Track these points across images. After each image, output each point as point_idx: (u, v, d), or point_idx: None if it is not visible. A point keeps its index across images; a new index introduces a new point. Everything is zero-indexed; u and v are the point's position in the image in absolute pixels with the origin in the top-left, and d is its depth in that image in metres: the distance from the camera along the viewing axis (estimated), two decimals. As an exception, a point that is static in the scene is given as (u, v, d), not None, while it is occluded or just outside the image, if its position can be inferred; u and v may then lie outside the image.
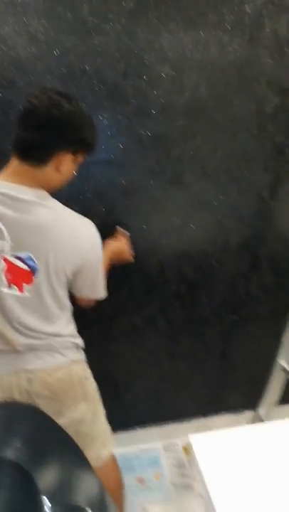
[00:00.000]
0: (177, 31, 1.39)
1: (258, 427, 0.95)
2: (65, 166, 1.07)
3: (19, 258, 1.03)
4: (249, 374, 1.95)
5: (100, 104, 1.43)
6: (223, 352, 1.90)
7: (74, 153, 1.08)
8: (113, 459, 1.29)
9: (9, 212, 0.99)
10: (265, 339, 1.88)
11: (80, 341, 1.25)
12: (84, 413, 1.19)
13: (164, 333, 1.81)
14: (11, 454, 0.51)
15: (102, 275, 1.25)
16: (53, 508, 0.47)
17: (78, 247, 1.09)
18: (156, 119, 1.49)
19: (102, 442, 1.25)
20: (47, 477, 0.51)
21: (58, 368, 1.14)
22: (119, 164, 1.52)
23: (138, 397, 1.90)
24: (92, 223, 1.16)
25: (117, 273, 1.67)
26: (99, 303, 1.69)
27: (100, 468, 1.22)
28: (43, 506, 0.46)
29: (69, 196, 1.48)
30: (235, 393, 2.00)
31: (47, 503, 0.47)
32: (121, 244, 1.42)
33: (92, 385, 1.27)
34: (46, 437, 0.63)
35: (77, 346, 1.24)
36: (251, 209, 1.69)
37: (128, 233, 1.49)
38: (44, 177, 1.05)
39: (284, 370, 1.59)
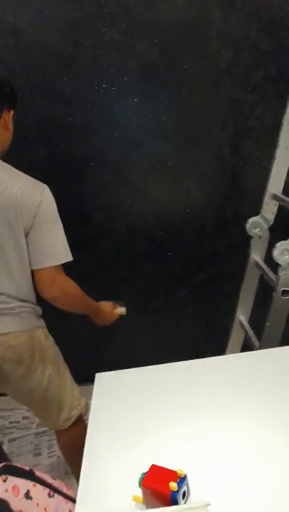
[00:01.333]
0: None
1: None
2: (10, 123, 1.17)
3: None
4: (221, 329, 2.04)
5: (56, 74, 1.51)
6: (195, 309, 1.99)
7: (10, 109, 1.16)
8: (82, 419, 1.36)
9: None
10: (234, 295, 1.96)
11: (40, 310, 1.30)
12: (50, 377, 1.24)
13: (138, 291, 1.92)
14: None
15: (61, 239, 1.19)
16: None
17: (32, 201, 1.10)
18: (110, 88, 1.56)
19: (71, 404, 1.31)
20: None
21: (21, 333, 1.19)
22: (79, 133, 1.61)
23: (117, 353, 2.02)
24: (46, 186, 1.17)
25: (89, 236, 1.78)
26: (77, 264, 1.82)
27: (70, 428, 1.31)
28: None
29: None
30: (208, 348, 2.10)
31: None
32: (110, 311, 1.44)
33: (54, 350, 1.32)
34: None
35: (38, 314, 1.29)
36: (213, 167, 1.75)
37: (124, 311, 1.51)
38: None
39: (241, 324, 1.68)
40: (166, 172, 1.73)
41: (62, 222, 1.71)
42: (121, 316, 1.51)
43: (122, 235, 1.81)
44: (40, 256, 1.14)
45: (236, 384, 0.94)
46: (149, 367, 1.06)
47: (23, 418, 1.83)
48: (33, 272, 1.17)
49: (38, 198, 1.11)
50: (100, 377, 1.02)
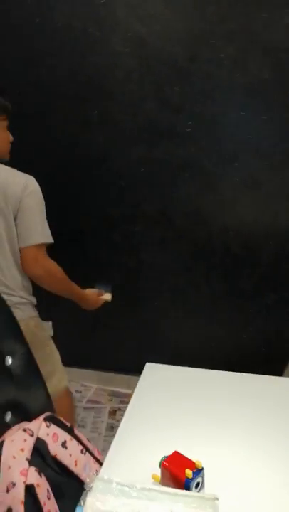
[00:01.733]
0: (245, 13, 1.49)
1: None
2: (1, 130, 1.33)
3: None
4: (280, 353, 1.99)
5: (169, 82, 1.62)
6: (260, 328, 1.97)
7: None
8: (68, 392, 1.50)
9: None
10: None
11: (34, 300, 1.44)
12: (40, 358, 1.39)
13: (206, 298, 1.96)
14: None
15: (42, 222, 1.33)
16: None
17: (15, 189, 1.28)
18: (218, 100, 1.63)
19: (58, 378, 1.45)
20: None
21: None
22: (180, 139, 1.70)
23: (176, 352, 2.08)
24: (34, 178, 1.33)
25: (168, 237, 1.87)
26: (150, 261, 1.92)
27: (56, 399, 1.44)
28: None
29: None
30: (264, 368, 2.07)
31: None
32: (94, 298, 1.56)
33: (46, 336, 1.48)
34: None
35: (33, 304, 1.43)
36: (305, 193, 1.72)
37: (110, 297, 1.62)
38: None
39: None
40: (257, 189, 1.74)
41: (147, 220, 1.83)
42: (106, 302, 1.62)
43: (200, 243, 1.86)
44: (24, 235, 1.30)
45: (285, 407, 0.96)
46: (199, 369, 1.12)
47: (76, 391, 1.98)
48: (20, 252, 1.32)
49: (22, 185, 1.28)
50: (150, 367, 1.10)
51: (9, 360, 0.80)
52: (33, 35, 1.65)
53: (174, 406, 0.95)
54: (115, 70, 1.64)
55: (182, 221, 1.84)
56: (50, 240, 1.36)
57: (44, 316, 1.51)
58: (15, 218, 1.30)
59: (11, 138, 1.38)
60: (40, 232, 1.33)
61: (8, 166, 1.34)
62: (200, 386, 1.04)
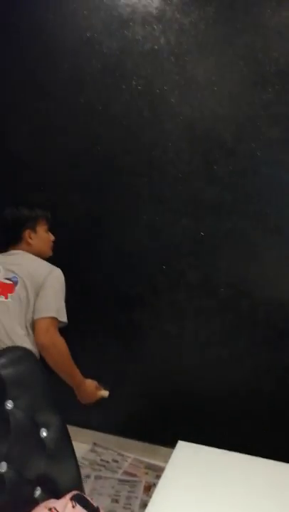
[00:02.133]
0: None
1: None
2: (34, 237, 1.61)
3: (8, 278, 1.50)
4: None
5: (217, 160, 1.71)
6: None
7: (32, 228, 1.61)
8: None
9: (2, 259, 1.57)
10: None
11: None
12: None
13: (248, 370, 1.89)
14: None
15: (59, 301, 1.51)
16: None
17: (41, 272, 1.52)
18: (263, 177, 1.68)
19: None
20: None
21: None
22: (226, 213, 1.75)
23: (217, 428, 1.99)
24: (60, 270, 1.55)
25: (212, 306, 1.87)
26: (193, 330, 1.91)
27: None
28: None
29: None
30: None
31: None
32: (92, 390, 1.60)
33: None
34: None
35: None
36: None
37: (107, 394, 1.65)
38: (25, 248, 1.60)
39: None
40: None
41: (191, 288, 1.84)
42: (102, 397, 1.62)
43: (244, 314, 1.84)
44: (41, 307, 1.47)
45: None
46: (234, 453, 1.07)
47: (112, 460, 1.93)
48: (34, 324, 1.47)
49: (48, 269, 1.54)
50: (181, 446, 1.07)
51: (44, 433, 0.82)
52: (90, 118, 1.82)
53: (203, 492, 0.91)
54: (167, 148, 1.76)
55: (226, 292, 1.84)
56: (64, 319, 1.52)
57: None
58: (37, 294, 1.49)
59: (52, 238, 1.67)
60: (56, 308, 1.49)
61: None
62: (233, 471, 0.99)
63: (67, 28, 1.78)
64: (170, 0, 1.64)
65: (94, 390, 1.62)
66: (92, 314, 2.04)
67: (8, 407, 0.79)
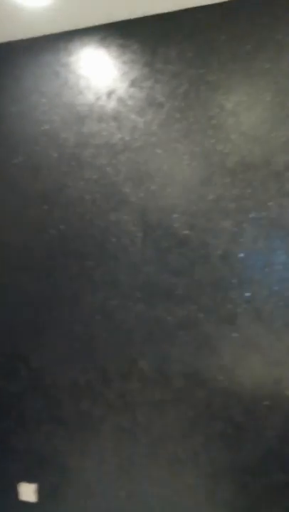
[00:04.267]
0: (240, 196, 1.65)
1: None
2: None
3: None
4: None
5: (169, 248, 1.73)
6: (269, 514, 1.72)
7: None
8: None
9: None
10: None
11: None
12: None
13: (205, 472, 1.77)
14: None
15: None
16: None
17: None
18: (215, 266, 1.70)
19: None
20: None
21: None
22: (179, 300, 1.74)
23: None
24: None
25: (166, 398, 1.79)
26: (146, 423, 1.81)
27: None
28: None
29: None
30: None
31: None
32: None
33: None
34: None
35: None
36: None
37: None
38: None
39: None
40: (257, 354, 1.69)
41: (144, 378, 1.76)
42: None
43: (199, 406, 1.76)
44: None
45: None
46: None
47: None
48: None
49: None
50: None
51: None
52: (44, 202, 1.85)
53: None
54: (120, 234, 1.79)
55: (180, 382, 1.78)
56: None
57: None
58: None
59: None
60: None
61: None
62: None
63: (27, 120, 1.86)
64: (125, 102, 1.76)
65: None
66: (37, 401, 1.92)
67: None
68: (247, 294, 1.70)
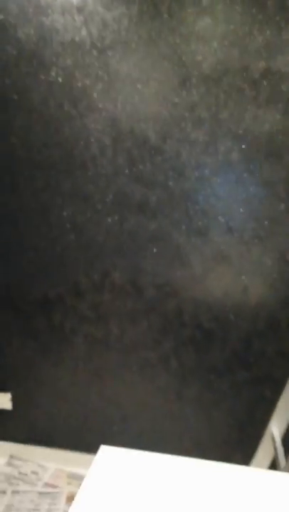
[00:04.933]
0: (215, 104, 1.58)
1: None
2: None
3: None
4: (253, 436, 1.90)
5: (141, 159, 1.67)
6: (231, 406, 1.89)
7: None
8: None
9: None
10: (274, 403, 1.84)
11: None
12: None
13: (175, 374, 1.89)
14: None
15: None
16: None
17: None
18: (188, 178, 1.67)
19: None
20: None
21: None
22: (151, 212, 1.72)
23: (143, 429, 1.98)
24: None
25: (138, 308, 1.84)
26: (119, 333, 1.87)
27: None
28: None
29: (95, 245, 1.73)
30: (237, 450, 1.96)
31: None
32: None
33: None
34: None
35: None
36: (274, 270, 1.73)
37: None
38: None
39: (272, 437, 1.55)
40: (227, 265, 1.75)
41: (116, 290, 1.81)
42: None
43: (170, 315, 1.83)
44: None
45: (239, 503, 0.87)
46: (157, 454, 1.03)
47: (31, 472, 1.83)
48: None
49: None
50: (104, 451, 1.01)
51: None
52: (3, 108, 1.70)
53: (127, 499, 0.86)
54: (89, 144, 1.69)
55: (152, 293, 1.82)
56: None
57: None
58: None
59: None
60: None
61: None
62: (157, 474, 0.95)
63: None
64: (92, -10, 1.57)
65: None
66: (9, 316, 1.93)
67: None
68: (219, 206, 1.70)
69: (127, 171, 1.71)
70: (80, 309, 1.89)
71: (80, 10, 1.59)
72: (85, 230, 1.79)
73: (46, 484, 1.76)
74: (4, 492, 1.67)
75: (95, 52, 1.61)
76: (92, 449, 1.99)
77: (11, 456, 1.92)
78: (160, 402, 1.94)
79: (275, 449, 1.51)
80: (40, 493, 1.71)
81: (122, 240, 1.78)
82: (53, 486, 1.76)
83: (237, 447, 1.93)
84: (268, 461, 1.62)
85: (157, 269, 1.80)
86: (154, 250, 1.77)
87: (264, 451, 1.60)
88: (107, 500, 0.86)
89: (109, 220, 1.77)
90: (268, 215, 1.69)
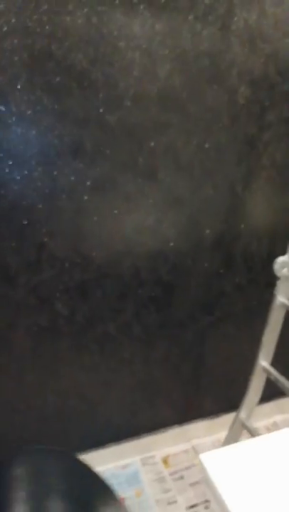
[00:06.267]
0: (149, 16, 1.30)
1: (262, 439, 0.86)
2: None
3: None
4: (226, 376, 1.89)
5: (68, 92, 1.29)
6: (199, 355, 1.82)
7: None
8: None
9: None
10: (241, 339, 1.84)
11: None
12: None
13: (139, 339, 1.69)
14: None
15: None
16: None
17: None
18: (129, 110, 1.38)
19: None
20: None
21: None
22: (89, 157, 1.39)
23: (113, 410, 1.76)
24: None
25: (89, 278, 1.53)
26: (69, 312, 1.55)
27: None
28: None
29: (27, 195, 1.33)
30: (211, 397, 1.93)
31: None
32: None
33: None
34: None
35: None
36: (225, 204, 1.64)
37: None
38: None
39: (264, 369, 1.54)
40: (179, 207, 1.57)
41: (56, 263, 1.47)
42: None
43: (126, 277, 1.59)
44: None
45: None
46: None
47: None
48: None
49: None
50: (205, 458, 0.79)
51: None
52: None
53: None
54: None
55: (102, 256, 1.53)
56: None
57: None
58: None
59: None
60: None
61: None
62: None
63: None
64: None
65: None
66: None
67: None
68: (165, 141, 1.48)
69: (50, 108, 1.32)
70: (13, 297, 1.47)
71: None
72: (9, 192, 1.35)
73: None
74: None
75: None
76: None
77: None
78: (128, 376, 1.73)
79: (273, 377, 1.50)
80: None
81: (56, 199, 1.41)
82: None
83: (209, 390, 1.89)
84: (258, 396, 1.61)
85: (104, 226, 1.50)
86: (98, 204, 1.47)
87: (256, 386, 1.58)
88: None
89: (37, 175, 1.37)
90: (215, 147, 1.55)
